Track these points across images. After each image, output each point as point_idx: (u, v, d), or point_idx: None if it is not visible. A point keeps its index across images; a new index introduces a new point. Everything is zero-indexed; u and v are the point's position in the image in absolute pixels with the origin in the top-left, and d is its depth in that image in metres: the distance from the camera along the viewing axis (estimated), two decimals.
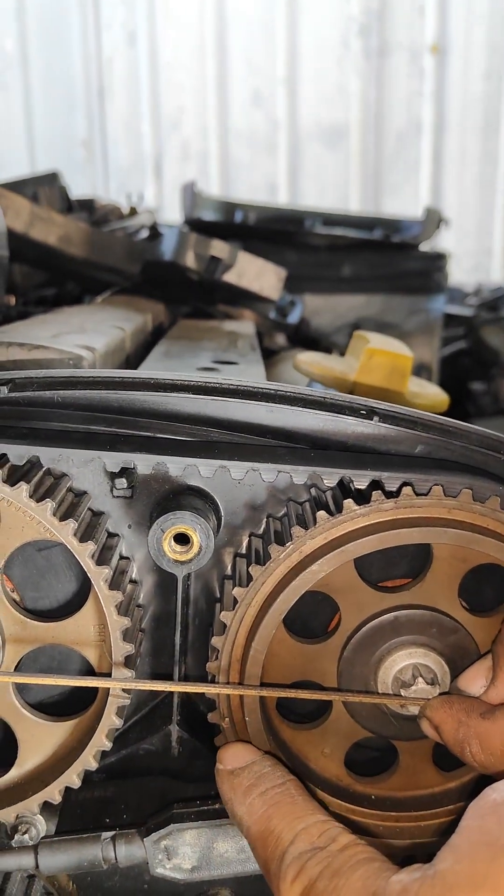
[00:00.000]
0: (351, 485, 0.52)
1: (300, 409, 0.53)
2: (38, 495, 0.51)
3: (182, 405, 0.53)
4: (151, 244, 1.12)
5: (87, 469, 0.54)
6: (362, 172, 3.27)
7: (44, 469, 0.53)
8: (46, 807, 0.55)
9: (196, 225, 1.56)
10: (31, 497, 0.50)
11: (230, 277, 1.07)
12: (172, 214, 2.22)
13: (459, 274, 1.67)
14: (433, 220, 1.54)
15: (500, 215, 3.20)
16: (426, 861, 0.42)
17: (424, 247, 1.57)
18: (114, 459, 0.51)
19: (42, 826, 0.57)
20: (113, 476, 0.53)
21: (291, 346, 1.38)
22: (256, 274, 1.08)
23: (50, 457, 0.51)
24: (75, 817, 0.56)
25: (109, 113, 3.46)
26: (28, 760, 0.56)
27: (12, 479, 0.50)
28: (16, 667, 0.55)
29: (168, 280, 1.15)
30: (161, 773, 0.58)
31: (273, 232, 1.53)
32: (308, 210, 1.69)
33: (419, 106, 3.17)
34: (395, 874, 0.42)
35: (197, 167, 3.38)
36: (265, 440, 0.54)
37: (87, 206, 1.64)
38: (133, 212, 1.59)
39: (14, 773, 0.57)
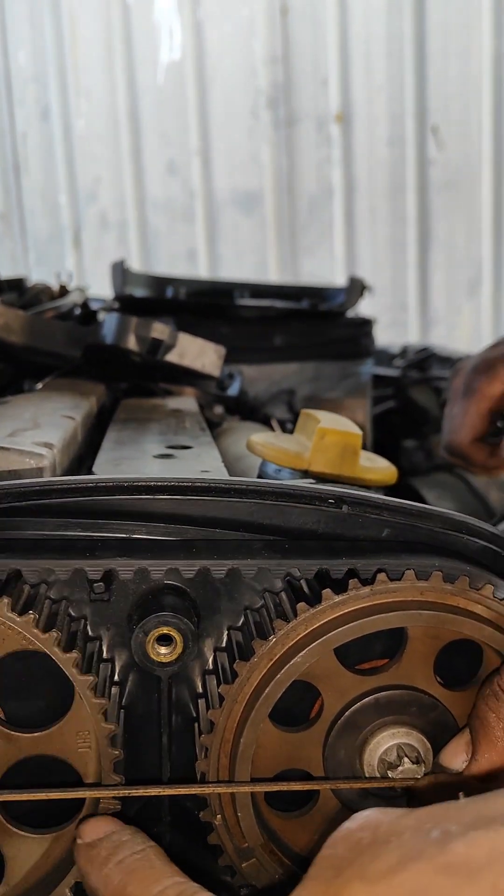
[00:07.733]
0: (327, 574, 0.53)
1: (272, 502, 0.55)
2: (20, 608, 0.51)
3: (158, 506, 0.54)
4: (91, 328, 1.13)
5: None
6: (278, 236, 3.37)
7: (21, 579, 0.53)
8: None
9: (127, 301, 1.59)
10: (12, 611, 0.50)
11: (172, 357, 1.09)
12: (94, 283, 2.24)
13: (378, 328, 1.74)
14: (356, 288, 1.60)
15: (412, 271, 3.34)
16: None
17: (350, 313, 1.63)
18: (96, 567, 0.52)
19: None
20: (91, 581, 0.54)
21: (230, 415, 1.40)
22: (198, 353, 1.10)
23: (33, 569, 0.52)
24: None
25: (26, 186, 3.49)
26: (15, 877, 0.55)
27: None
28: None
29: (109, 361, 1.16)
30: None
31: (204, 306, 1.57)
32: (236, 282, 1.74)
33: (329, 171, 3.30)
34: None
35: (116, 236, 3.42)
36: (239, 534, 0.56)
37: (15, 286, 1.64)
38: (63, 290, 1.60)
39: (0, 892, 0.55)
